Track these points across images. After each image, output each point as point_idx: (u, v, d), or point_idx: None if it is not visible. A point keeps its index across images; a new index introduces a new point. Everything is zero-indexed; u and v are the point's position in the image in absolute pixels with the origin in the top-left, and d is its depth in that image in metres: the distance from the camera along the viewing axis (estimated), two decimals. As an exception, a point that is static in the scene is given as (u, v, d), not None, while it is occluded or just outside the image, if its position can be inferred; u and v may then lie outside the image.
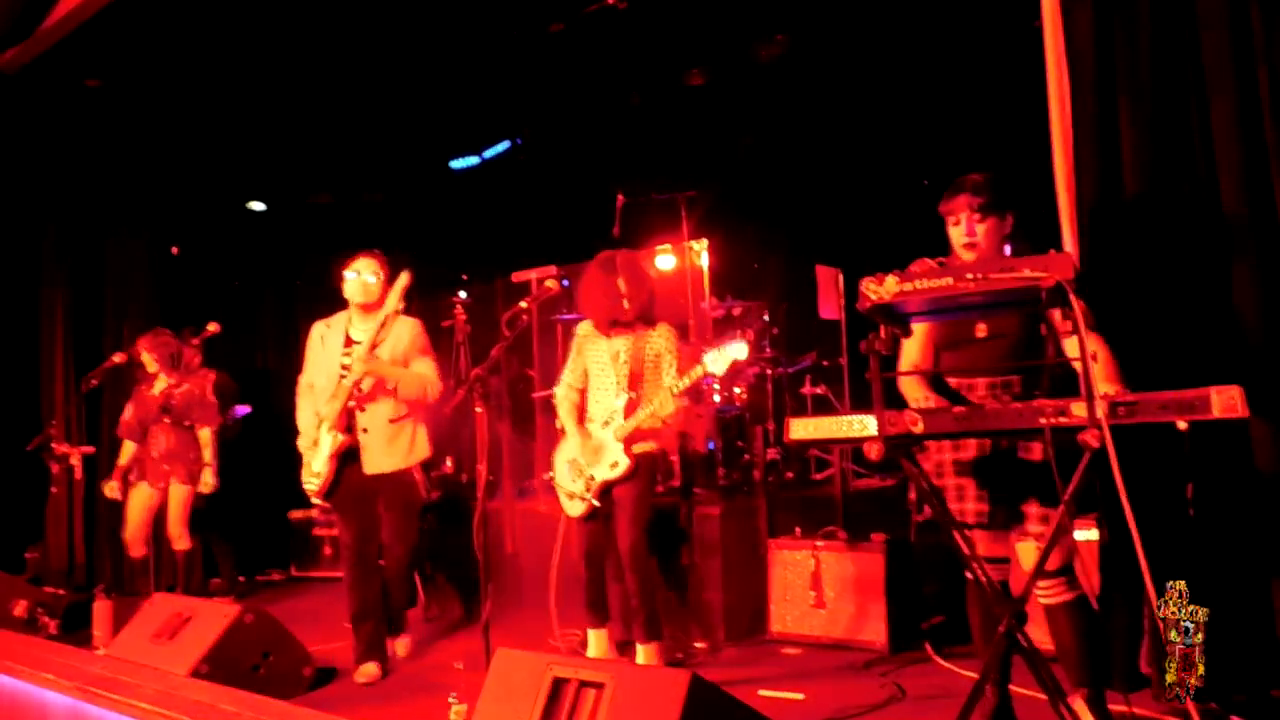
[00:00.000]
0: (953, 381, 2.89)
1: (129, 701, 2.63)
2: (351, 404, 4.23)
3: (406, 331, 4.35)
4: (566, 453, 4.15)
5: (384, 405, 4.25)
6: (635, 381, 3.98)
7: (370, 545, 4.35)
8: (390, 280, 4.31)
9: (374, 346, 4.22)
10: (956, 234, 2.87)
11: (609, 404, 4.02)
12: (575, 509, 4.08)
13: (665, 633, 4.14)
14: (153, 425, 5.61)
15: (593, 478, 4.00)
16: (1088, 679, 2.75)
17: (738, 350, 3.82)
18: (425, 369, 4.34)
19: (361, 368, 4.17)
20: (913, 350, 2.98)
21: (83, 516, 6.75)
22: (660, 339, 4.03)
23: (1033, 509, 2.75)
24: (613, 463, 3.95)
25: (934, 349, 2.97)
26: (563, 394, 4.20)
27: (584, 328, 4.18)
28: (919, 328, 2.94)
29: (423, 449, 4.39)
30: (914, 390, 2.90)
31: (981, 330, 2.83)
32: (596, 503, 3.99)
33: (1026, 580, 2.47)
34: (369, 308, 4.30)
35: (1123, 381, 2.61)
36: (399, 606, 4.60)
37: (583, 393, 4.19)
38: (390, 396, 4.25)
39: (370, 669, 4.20)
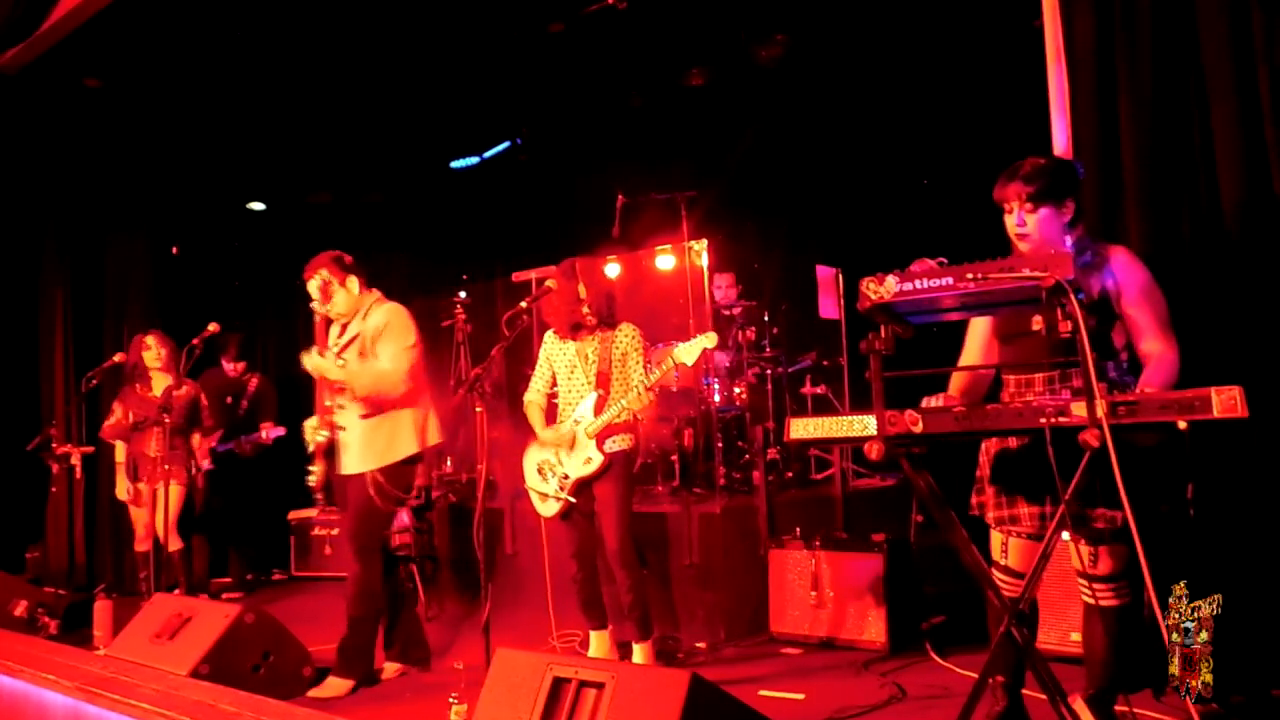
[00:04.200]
0: (1010, 376, 2.82)
1: (129, 701, 2.63)
2: (328, 403, 4.14)
3: (379, 319, 4.16)
4: (536, 455, 4.19)
5: (355, 403, 4.09)
6: (604, 380, 4.04)
7: None
8: (346, 276, 4.17)
9: (339, 351, 4.15)
10: (1010, 223, 2.75)
11: (579, 403, 4.06)
12: (548, 509, 4.13)
13: (657, 630, 4.15)
14: (151, 425, 5.60)
15: (566, 475, 4.04)
16: (1105, 685, 2.73)
17: (707, 339, 3.88)
18: (384, 360, 4.07)
19: (308, 364, 4.11)
20: (974, 343, 2.95)
21: (83, 516, 6.75)
22: (626, 338, 4.10)
23: (1098, 512, 2.63)
24: (585, 459, 4.00)
25: (996, 341, 2.91)
26: (531, 399, 4.25)
27: (550, 336, 4.25)
28: (981, 320, 2.90)
29: (404, 446, 4.09)
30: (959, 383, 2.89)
31: (1037, 323, 2.68)
32: (572, 499, 4.02)
33: (1079, 576, 2.42)
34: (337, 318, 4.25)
35: (1168, 381, 2.54)
36: (349, 643, 4.07)
37: (550, 398, 4.26)
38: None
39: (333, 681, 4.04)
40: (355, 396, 4.07)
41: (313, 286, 4.18)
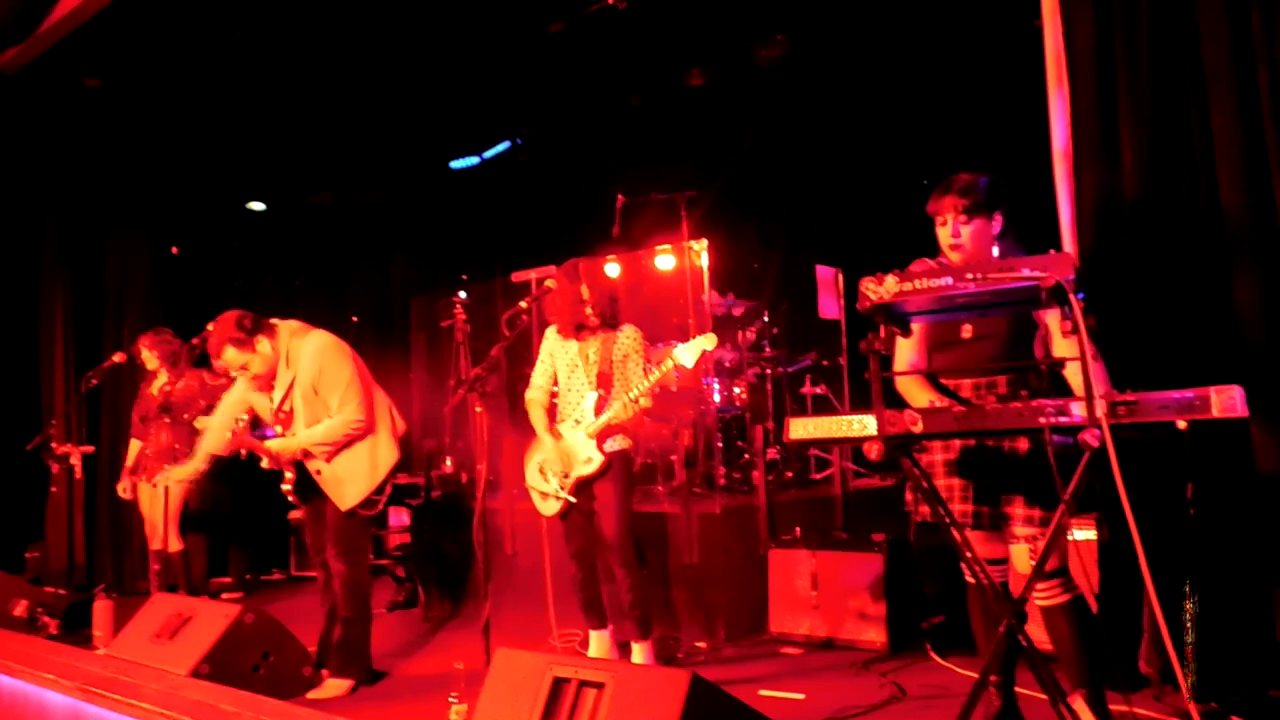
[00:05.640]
0: (942, 382, 2.88)
1: (129, 701, 2.63)
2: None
3: (307, 364, 4.05)
4: (538, 455, 4.20)
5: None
6: (605, 381, 4.05)
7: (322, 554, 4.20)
8: (254, 340, 4.00)
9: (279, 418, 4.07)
10: (943, 235, 2.84)
11: (579, 403, 4.07)
12: (549, 508, 4.13)
13: (657, 630, 4.16)
14: (153, 423, 5.61)
15: (566, 475, 4.04)
16: (1086, 680, 2.74)
17: (706, 341, 3.89)
18: (334, 407, 4.02)
19: (267, 464, 4.07)
20: (908, 351, 2.97)
21: (83, 516, 6.75)
22: (627, 339, 4.11)
23: (1018, 510, 2.73)
24: (586, 459, 4.00)
25: (927, 349, 2.96)
26: (533, 398, 4.24)
27: (551, 333, 4.25)
28: (913, 328, 2.93)
29: (385, 460, 4.12)
30: (915, 391, 2.88)
31: (967, 331, 2.81)
32: (572, 498, 4.02)
33: (1024, 582, 2.46)
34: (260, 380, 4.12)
35: (1109, 385, 2.59)
36: (345, 644, 4.08)
37: (552, 396, 4.26)
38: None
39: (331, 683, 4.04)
40: (329, 456, 4.04)
41: (223, 365, 4.05)
